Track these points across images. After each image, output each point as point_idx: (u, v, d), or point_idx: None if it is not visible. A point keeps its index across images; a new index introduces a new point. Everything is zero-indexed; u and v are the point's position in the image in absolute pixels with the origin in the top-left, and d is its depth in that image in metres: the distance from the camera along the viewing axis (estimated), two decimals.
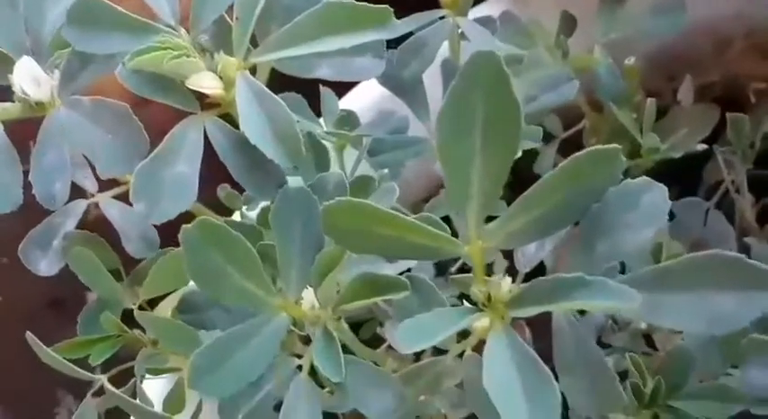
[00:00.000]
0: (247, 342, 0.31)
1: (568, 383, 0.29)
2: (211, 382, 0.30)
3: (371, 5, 0.32)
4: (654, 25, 0.47)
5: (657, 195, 0.29)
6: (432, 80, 0.45)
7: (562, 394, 0.27)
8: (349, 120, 0.47)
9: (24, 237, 0.40)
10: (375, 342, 0.47)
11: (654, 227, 0.29)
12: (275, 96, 0.31)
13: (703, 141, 0.53)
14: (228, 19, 0.34)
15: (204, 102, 0.33)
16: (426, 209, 0.46)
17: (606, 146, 0.28)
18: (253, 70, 0.33)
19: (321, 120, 0.49)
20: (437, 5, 0.43)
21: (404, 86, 0.43)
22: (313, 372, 0.32)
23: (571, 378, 0.29)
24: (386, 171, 0.45)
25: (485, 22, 0.43)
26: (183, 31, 0.33)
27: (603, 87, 0.50)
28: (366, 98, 0.56)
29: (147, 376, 0.43)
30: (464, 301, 0.31)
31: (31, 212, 0.37)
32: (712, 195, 0.54)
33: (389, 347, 0.45)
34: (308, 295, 0.33)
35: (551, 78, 0.44)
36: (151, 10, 0.34)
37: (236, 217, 0.49)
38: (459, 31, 0.44)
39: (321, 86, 0.50)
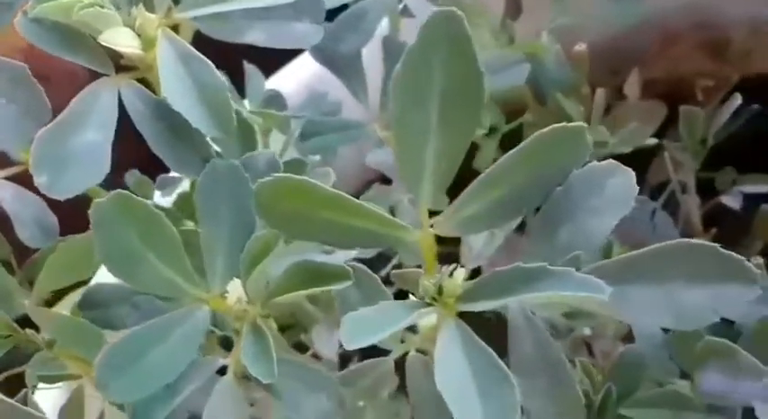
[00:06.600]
0: (165, 338, 0.29)
1: (524, 385, 0.28)
2: (122, 384, 0.28)
3: None
4: (608, 12, 0.47)
5: (624, 180, 0.28)
6: (370, 60, 0.44)
7: None
8: (275, 101, 0.45)
9: None
10: (298, 351, 0.46)
11: (619, 213, 0.28)
12: (203, 58, 0.29)
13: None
14: None
15: (118, 64, 0.31)
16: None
17: (572, 123, 0.28)
18: (175, 30, 0.31)
19: (245, 102, 0.47)
20: None
21: (340, 62, 0.41)
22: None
23: (527, 379, 0.28)
24: (317, 157, 0.43)
25: None
26: None
27: (549, 75, 0.49)
28: (294, 80, 0.54)
29: (41, 385, 0.40)
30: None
31: None
32: (656, 196, 0.55)
33: (314, 356, 0.44)
34: (235, 287, 0.31)
35: (500, 59, 0.43)
36: None
37: None
38: (402, 5, 0.43)
39: (246, 64, 0.48)
